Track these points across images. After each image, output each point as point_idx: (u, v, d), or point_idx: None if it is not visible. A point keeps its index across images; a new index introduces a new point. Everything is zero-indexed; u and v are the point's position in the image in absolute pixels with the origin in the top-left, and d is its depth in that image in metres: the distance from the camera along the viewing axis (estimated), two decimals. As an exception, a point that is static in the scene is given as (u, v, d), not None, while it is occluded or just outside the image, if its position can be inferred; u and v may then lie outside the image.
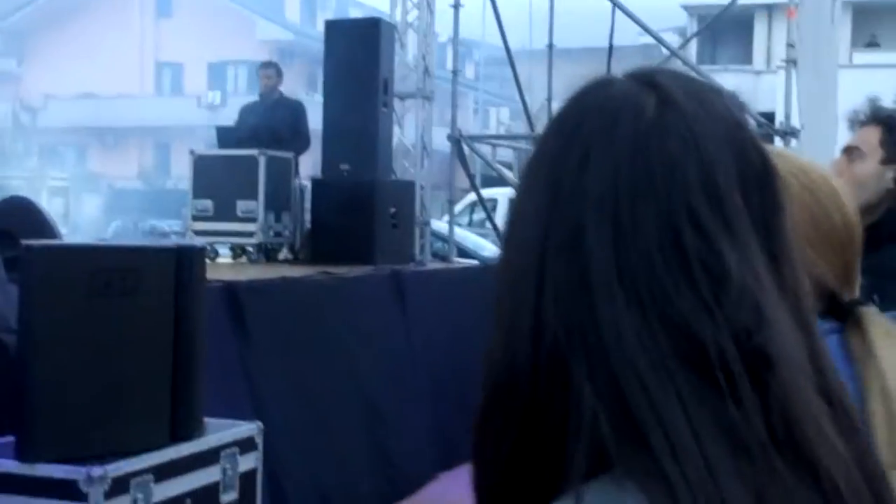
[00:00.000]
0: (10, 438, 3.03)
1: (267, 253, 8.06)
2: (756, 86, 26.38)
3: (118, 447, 3.07)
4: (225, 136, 8.80)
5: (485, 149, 11.06)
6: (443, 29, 11.01)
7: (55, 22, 40.63)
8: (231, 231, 7.92)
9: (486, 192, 12.01)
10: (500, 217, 11.94)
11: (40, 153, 33.01)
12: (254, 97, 9.70)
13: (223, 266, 7.56)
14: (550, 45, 10.02)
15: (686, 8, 30.33)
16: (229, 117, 9.87)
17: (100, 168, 36.72)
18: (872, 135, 2.61)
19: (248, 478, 3.57)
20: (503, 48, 9.85)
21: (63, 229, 6.92)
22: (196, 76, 40.77)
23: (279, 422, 5.04)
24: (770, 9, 28.90)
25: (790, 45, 8.71)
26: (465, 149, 9.44)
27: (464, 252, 10.80)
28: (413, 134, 9.33)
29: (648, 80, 0.85)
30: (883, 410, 1.36)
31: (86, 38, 39.51)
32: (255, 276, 6.10)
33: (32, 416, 2.96)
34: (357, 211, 7.56)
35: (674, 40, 17.08)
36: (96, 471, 2.90)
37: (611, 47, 8.97)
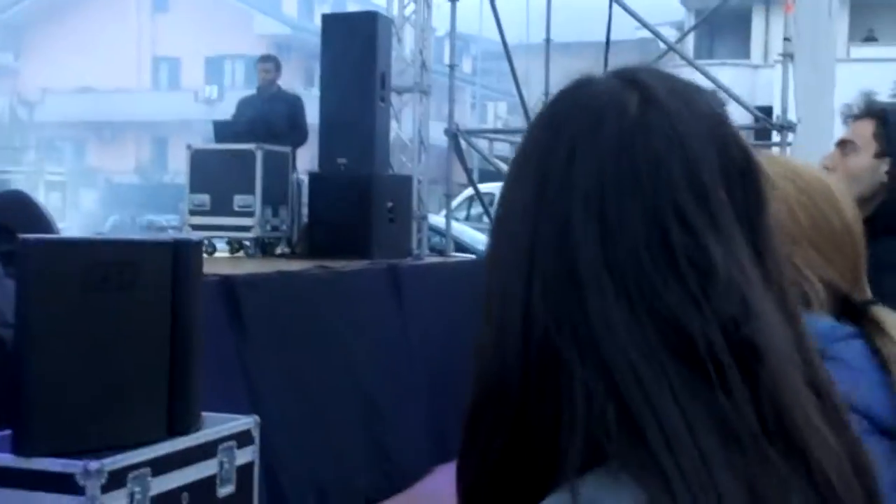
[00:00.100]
0: (6, 432, 3.03)
1: (264, 247, 8.06)
2: (753, 80, 26.40)
3: (115, 441, 3.07)
4: (222, 131, 8.80)
5: (482, 143, 11.07)
6: (440, 23, 11.02)
7: (52, 16, 40.60)
8: (228, 225, 7.92)
9: (484, 187, 12.01)
10: (497, 211, 11.89)
11: (37, 147, 32.96)
12: (251, 91, 9.70)
13: (220, 260, 7.56)
14: (548, 40, 10.02)
15: (683, 2, 30.31)
16: (226, 112, 9.87)
17: (97, 162, 36.73)
18: (866, 128, 2.61)
19: (245, 471, 3.58)
20: (500, 42, 9.85)
21: (60, 224, 6.91)
22: (193, 71, 40.75)
23: (276, 416, 5.05)
24: (767, 3, 28.91)
25: (787, 40, 8.71)
26: (463, 143, 9.44)
27: (461, 246, 10.80)
28: (410, 128, 9.32)
29: (631, 79, 0.86)
30: None
31: (83, 33, 39.49)
32: (252, 271, 6.10)
33: (29, 410, 2.97)
34: (354, 205, 7.56)
35: (671, 34, 17.10)
36: (93, 464, 2.90)
37: (608, 41, 8.96)
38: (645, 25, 9.71)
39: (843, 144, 2.65)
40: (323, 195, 7.82)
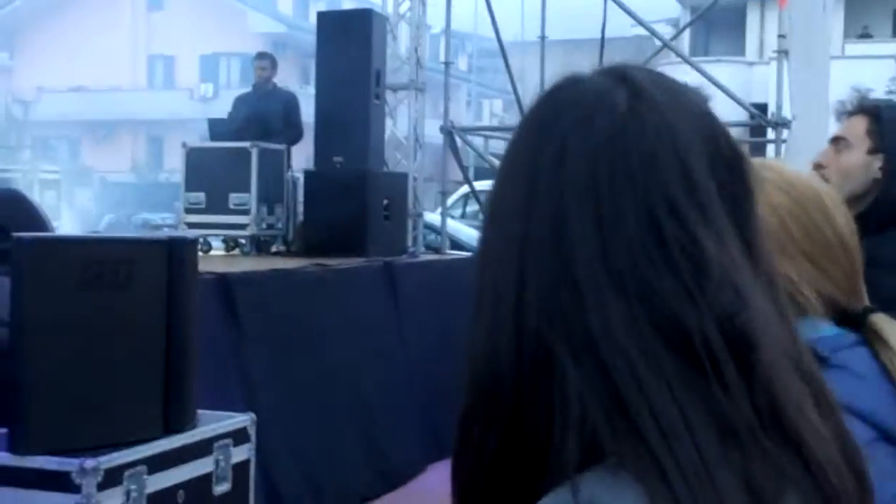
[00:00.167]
0: (2, 431, 3.03)
1: (259, 245, 8.07)
2: (749, 77, 26.38)
3: (111, 439, 3.07)
4: (217, 129, 8.80)
5: (477, 141, 11.08)
6: (435, 20, 11.01)
7: (47, 15, 40.54)
8: (224, 224, 7.93)
9: (479, 185, 11.99)
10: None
11: (32, 146, 32.94)
12: (246, 90, 9.70)
13: (216, 258, 7.57)
14: (543, 37, 10.01)
15: (679, -1, 30.31)
16: (222, 110, 9.87)
17: (92, 161, 36.67)
18: (859, 125, 2.61)
19: (241, 469, 3.58)
20: (496, 40, 9.85)
21: (55, 223, 6.91)
22: (188, 69, 40.69)
23: (271, 413, 5.05)
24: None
25: (781, 36, 8.71)
26: (458, 141, 9.44)
27: (457, 244, 10.80)
28: (406, 126, 9.33)
29: (619, 75, 0.87)
30: None
31: (78, 31, 39.42)
32: (247, 269, 6.10)
33: (25, 409, 2.97)
34: (350, 203, 7.57)
35: (666, 32, 17.11)
36: (89, 462, 2.90)
37: (603, 39, 8.96)
38: (640, 23, 9.71)
39: (836, 141, 2.65)
40: (318, 193, 7.82)
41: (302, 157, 9.40)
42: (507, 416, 0.81)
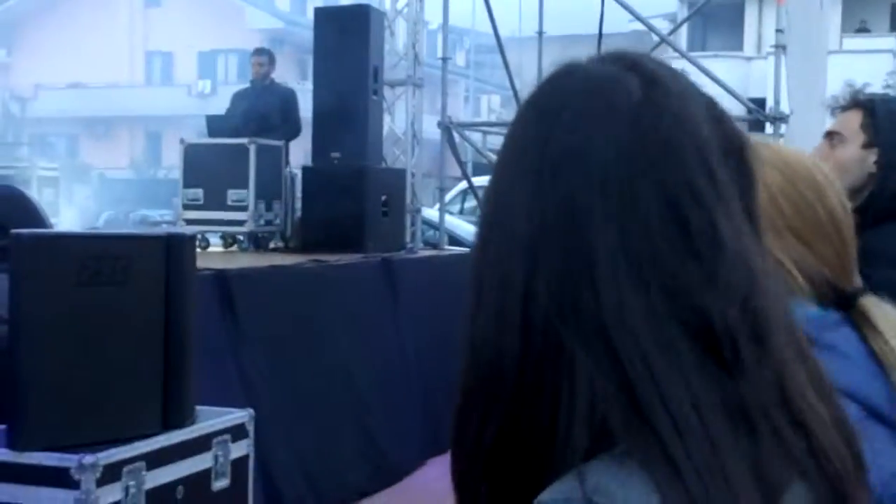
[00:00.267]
0: (1, 427, 3.03)
1: (258, 241, 8.07)
2: (747, 72, 26.41)
3: (110, 435, 3.07)
4: (215, 125, 8.79)
5: (476, 136, 11.06)
6: (432, 16, 11.01)
7: (45, 12, 40.50)
8: (222, 220, 7.92)
9: (478, 180, 11.98)
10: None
11: (30, 143, 32.88)
12: (244, 86, 9.69)
13: (214, 255, 7.56)
14: (540, 33, 10.01)
15: (676, -6, 30.29)
16: (220, 106, 9.86)
17: (90, 158, 36.61)
18: (853, 119, 2.61)
19: (239, 464, 3.58)
20: (493, 35, 9.84)
21: (54, 219, 6.91)
22: (186, 65, 40.67)
23: (269, 409, 5.05)
24: (760, -5, 28.91)
25: (779, 31, 8.71)
26: (456, 136, 9.43)
27: (455, 240, 10.79)
28: (403, 122, 9.33)
29: (627, 63, 0.86)
30: None
31: (75, 28, 39.40)
32: (245, 265, 6.11)
33: (24, 405, 2.97)
34: (348, 199, 7.57)
35: (664, 27, 17.08)
36: (88, 458, 2.91)
37: (600, 34, 8.95)
38: (638, 18, 9.70)
39: (830, 136, 2.64)
40: (316, 189, 7.82)
41: (300, 153, 9.40)
42: (508, 405, 0.81)
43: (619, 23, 12.08)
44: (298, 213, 8.16)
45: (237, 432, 3.59)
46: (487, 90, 40.65)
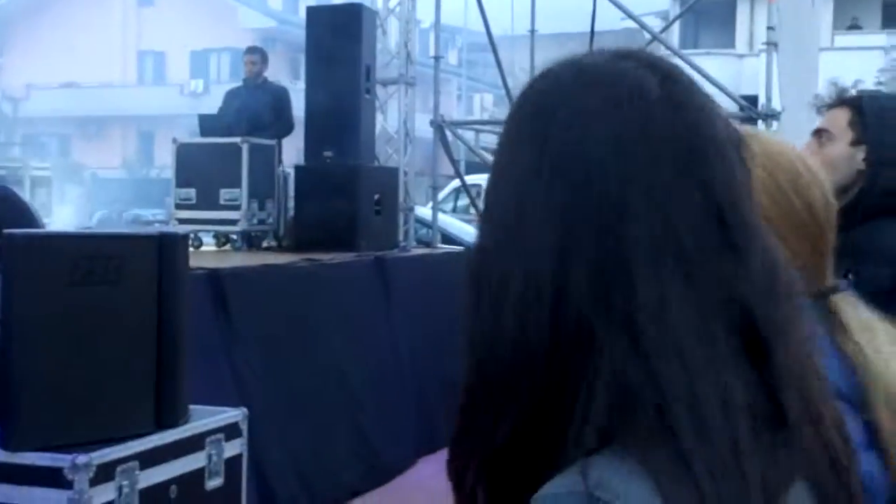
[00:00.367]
0: (-6, 427, 3.03)
1: (251, 241, 8.06)
2: (739, 69, 26.42)
3: (103, 434, 3.07)
4: (208, 125, 8.78)
5: (468, 135, 11.07)
6: (425, 15, 11.01)
7: (36, 11, 40.41)
8: (215, 219, 7.92)
9: (470, 179, 12.00)
10: (484, 203, 11.88)
11: (23, 143, 32.80)
12: (237, 85, 9.69)
13: (207, 254, 7.56)
14: (533, 31, 10.01)
15: (669, -8, 30.29)
16: (212, 105, 9.86)
17: (83, 157, 36.55)
18: (841, 116, 2.61)
19: (233, 464, 3.58)
20: (486, 34, 9.84)
21: (46, 219, 6.90)
22: (178, 64, 40.62)
23: (263, 408, 5.05)
24: (752, -8, 28.93)
25: (771, 28, 8.73)
26: (449, 135, 9.44)
27: (448, 238, 10.81)
28: (396, 120, 9.32)
29: (642, 61, 0.87)
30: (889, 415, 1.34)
31: (67, 28, 39.33)
32: (238, 264, 6.10)
33: (16, 405, 2.97)
34: (340, 198, 7.56)
35: (656, 24, 17.07)
36: (81, 458, 2.91)
37: (592, 32, 8.96)
38: (630, 16, 9.71)
39: (819, 134, 2.64)
40: (309, 188, 7.82)
41: (293, 152, 9.40)
42: (526, 404, 0.81)
43: (611, 20, 12.09)
44: (291, 212, 8.16)
45: (231, 431, 3.58)
46: (480, 89, 40.67)
